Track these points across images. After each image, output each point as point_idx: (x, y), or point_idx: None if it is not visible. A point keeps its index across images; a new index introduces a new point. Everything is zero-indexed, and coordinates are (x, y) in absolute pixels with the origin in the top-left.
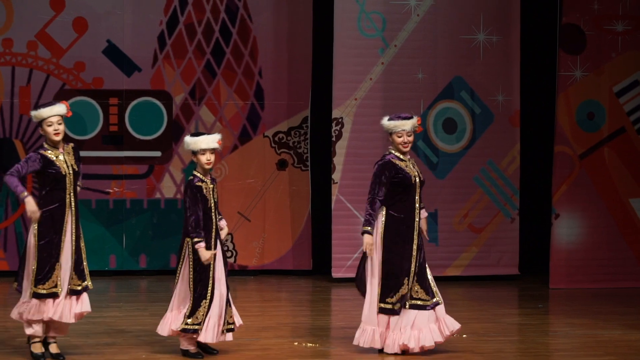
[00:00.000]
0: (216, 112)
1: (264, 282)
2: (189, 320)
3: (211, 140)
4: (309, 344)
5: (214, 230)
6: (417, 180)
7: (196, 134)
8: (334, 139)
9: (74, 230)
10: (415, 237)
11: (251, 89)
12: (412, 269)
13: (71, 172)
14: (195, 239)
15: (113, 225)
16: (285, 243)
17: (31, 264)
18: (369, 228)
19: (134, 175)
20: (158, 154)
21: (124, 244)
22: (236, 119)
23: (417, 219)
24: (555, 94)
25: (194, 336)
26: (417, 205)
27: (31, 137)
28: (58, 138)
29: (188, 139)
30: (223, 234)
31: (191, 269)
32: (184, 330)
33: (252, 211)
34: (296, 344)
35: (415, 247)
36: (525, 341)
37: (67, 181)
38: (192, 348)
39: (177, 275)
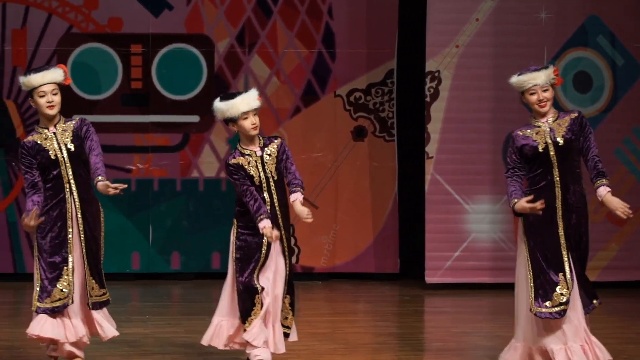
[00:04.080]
0: (272, 63)
1: (336, 289)
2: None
3: (251, 99)
4: None
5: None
6: (551, 147)
7: (227, 96)
8: (428, 99)
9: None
10: (560, 220)
11: (318, 33)
12: (566, 263)
13: (65, 154)
14: (257, 220)
15: (136, 213)
16: (363, 238)
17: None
18: (515, 200)
19: (164, 147)
20: (195, 119)
21: (150, 238)
22: (298, 72)
23: (558, 198)
24: None
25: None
26: (556, 180)
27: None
28: (52, 112)
29: (220, 104)
30: (297, 209)
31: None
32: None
33: (320, 195)
34: None
35: (561, 231)
36: None
37: (62, 166)
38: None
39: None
